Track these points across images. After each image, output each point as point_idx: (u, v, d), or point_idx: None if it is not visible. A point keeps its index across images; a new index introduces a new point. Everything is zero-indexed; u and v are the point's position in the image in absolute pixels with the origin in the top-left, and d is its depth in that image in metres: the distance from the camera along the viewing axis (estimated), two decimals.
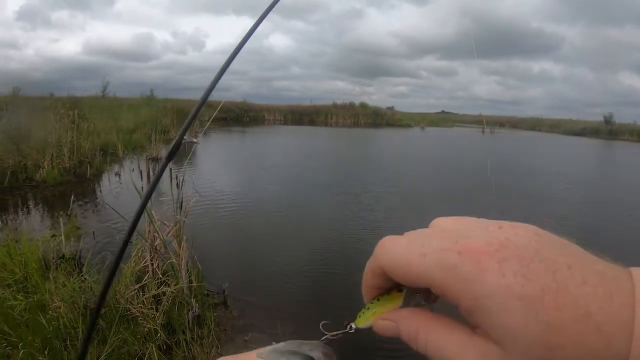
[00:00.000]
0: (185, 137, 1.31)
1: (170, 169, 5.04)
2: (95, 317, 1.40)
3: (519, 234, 0.35)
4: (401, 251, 0.38)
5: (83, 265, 5.32)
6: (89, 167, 12.56)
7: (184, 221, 4.75)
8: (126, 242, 1.30)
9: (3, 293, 4.21)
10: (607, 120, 58.23)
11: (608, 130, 55.08)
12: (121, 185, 11.66)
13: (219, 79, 1.34)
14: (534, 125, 70.40)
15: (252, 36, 1.38)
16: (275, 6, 1.31)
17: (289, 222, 8.69)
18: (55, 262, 4.90)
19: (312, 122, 54.53)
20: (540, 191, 13.08)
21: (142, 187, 4.91)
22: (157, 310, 3.97)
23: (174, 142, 1.28)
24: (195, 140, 1.30)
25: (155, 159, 15.45)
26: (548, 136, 53.39)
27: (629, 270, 0.33)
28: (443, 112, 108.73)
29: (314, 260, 6.61)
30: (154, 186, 1.36)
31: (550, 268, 0.32)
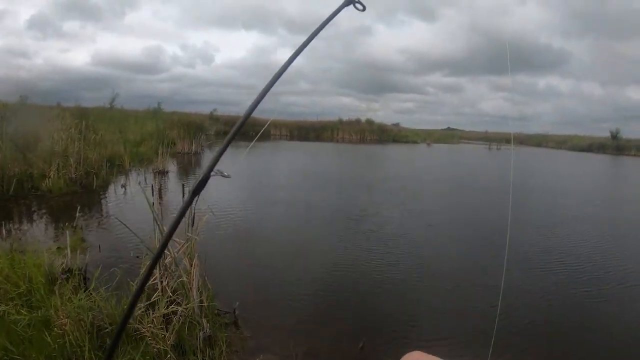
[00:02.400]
0: (215, 170, 1.16)
1: (183, 185, 4.91)
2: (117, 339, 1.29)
3: None
4: None
5: (89, 280, 5.18)
6: (95, 179, 12.47)
7: (196, 239, 4.61)
8: (148, 275, 1.19)
9: (6, 307, 4.06)
10: (614, 136, 58.13)
11: (615, 146, 55.05)
12: (127, 198, 11.56)
13: (259, 102, 1.27)
14: (541, 141, 70.29)
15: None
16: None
17: (299, 241, 8.53)
18: (62, 276, 4.75)
19: (318, 138, 54.58)
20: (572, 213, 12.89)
21: (153, 203, 4.76)
22: (167, 330, 3.81)
23: (201, 176, 1.12)
24: (226, 174, 1.17)
25: (162, 172, 15.39)
26: (556, 152, 53.33)
27: None
28: (449, 128, 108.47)
29: (325, 280, 6.46)
30: (177, 223, 1.23)
31: None
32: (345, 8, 1.32)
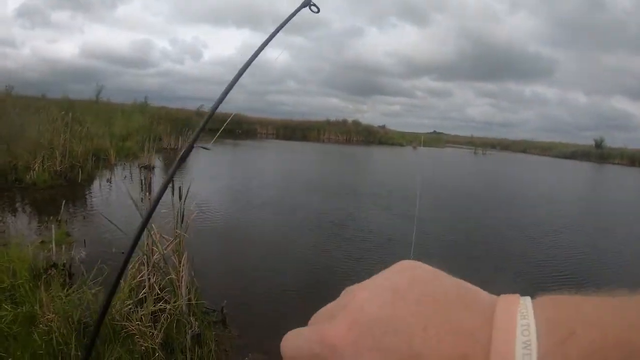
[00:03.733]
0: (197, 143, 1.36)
1: (173, 181, 4.87)
2: (94, 335, 1.31)
3: (373, 300, 0.35)
4: (290, 344, 0.39)
5: (74, 275, 5.12)
6: (80, 172, 12.31)
7: (185, 236, 4.57)
8: (127, 259, 1.24)
9: None
10: (598, 144, 59.14)
11: (599, 154, 55.97)
12: (113, 193, 11.45)
13: (229, 92, 1.37)
14: (525, 147, 71.19)
15: (251, 49, 1.48)
16: (276, 21, 1.41)
17: (286, 239, 8.49)
18: (48, 271, 4.68)
19: (304, 138, 54.58)
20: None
21: (142, 199, 4.70)
22: (155, 328, 3.77)
23: (185, 146, 1.28)
24: (208, 147, 1.39)
25: (147, 167, 15.25)
26: (540, 159, 54.06)
27: (493, 308, 0.31)
28: (435, 132, 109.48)
29: (313, 277, 6.45)
30: (161, 193, 1.30)
31: (405, 337, 0.31)
32: (303, 9, 1.49)
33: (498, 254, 8.67)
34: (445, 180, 20.33)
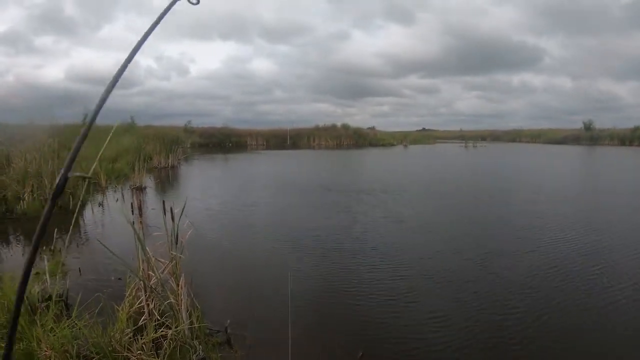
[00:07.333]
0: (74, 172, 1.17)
1: (164, 201, 4.75)
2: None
3: None
4: None
5: (71, 306, 4.98)
6: (71, 198, 12.12)
7: (181, 257, 4.45)
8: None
9: None
10: (587, 127, 60.05)
11: (589, 137, 56.82)
12: (105, 217, 11.32)
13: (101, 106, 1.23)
14: (515, 136, 71.85)
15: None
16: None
17: (286, 254, 8.31)
18: (42, 304, 4.54)
19: (294, 146, 54.65)
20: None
21: (133, 222, 4.56)
22: (157, 356, 3.65)
23: (59, 177, 1.11)
24: (87, 175, 1.18)
25: (139, 188, 15.12)
26: (533, 146, 54.65)
27: None
28: (424, 129, 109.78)
29: (316, 292, 6.32)
30: (43, 231, 1.16)
31: None
32: (179, 2, 1.40)
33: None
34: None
